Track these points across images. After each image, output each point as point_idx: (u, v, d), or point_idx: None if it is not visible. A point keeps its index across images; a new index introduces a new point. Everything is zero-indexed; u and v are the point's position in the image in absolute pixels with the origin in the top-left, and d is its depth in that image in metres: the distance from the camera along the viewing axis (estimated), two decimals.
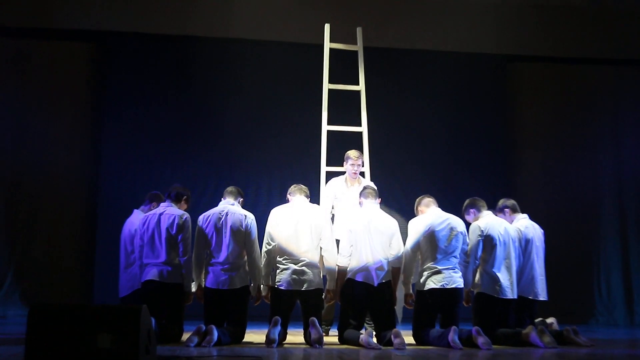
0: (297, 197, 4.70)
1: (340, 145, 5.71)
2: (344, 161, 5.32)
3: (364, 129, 5.83)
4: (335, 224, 5.12)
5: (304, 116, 6.93)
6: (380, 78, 7.06)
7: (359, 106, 5.87)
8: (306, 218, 4.56)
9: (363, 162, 5.37)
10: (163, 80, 7.14)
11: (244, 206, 4.76)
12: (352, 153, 5.26)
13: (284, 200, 4.86)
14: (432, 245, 4.56)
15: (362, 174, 5.44)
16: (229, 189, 4.76)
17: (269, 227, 4.60)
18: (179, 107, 7.11)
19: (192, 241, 4.56)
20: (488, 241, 4.68)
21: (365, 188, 4.86)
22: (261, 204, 6.44)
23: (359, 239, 4.54)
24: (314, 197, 5.15)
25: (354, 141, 5.87)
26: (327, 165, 5.64)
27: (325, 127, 5.72)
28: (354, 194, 5.11)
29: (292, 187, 4.80)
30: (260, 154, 7.09)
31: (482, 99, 7.58)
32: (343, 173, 5.43)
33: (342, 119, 5.88)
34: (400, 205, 6.02)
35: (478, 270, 4.74)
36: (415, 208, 4.90)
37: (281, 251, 4.53)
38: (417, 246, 4.61)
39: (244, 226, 4.52)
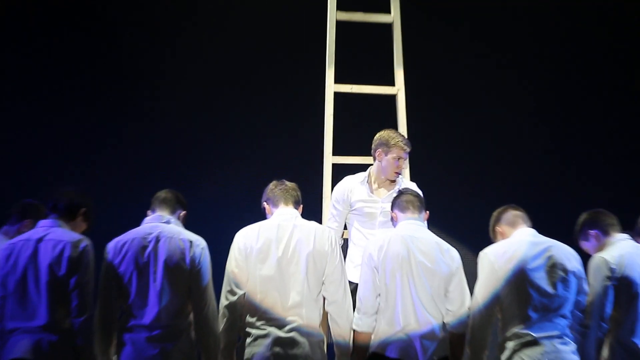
0: (281, 209, 4.50)
1: (357, 120, 5.85)
2: (374, 149, 5.17)
3: (399, 89, 5.59)
4: (350, 256, 5.09)
5: (295, 69, 6.74)
6: (427, 4, 6.87)
7: (391, 51, 5.63)
8: (298, 246, 4.37)
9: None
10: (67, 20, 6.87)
11: (188, 225, 4.51)
12: (394, 137, 5.10)
13: (258, 213, 4.64)
14: (521, 296, 4.31)
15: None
16: (162, 194, 4.50)
17: (233, 264, 4.37)
18: (85, 55, 6.83)
19: (96, 288, 4.33)
20: (624, 287, 4.47)
21: (401, 194, 4.64)
22: (223, 219, 6.11)
23: (392, 283, 4.33)
24: (313, 209, 5.11)
25: (381, 113, 5.76)
26: (335, 153, 5.52)
27: (331, 87, 5.54)
28: (383, 204, 5.04)
29: (270, 187, 4.61)
30: (221, 133, 6.83)
31: (606, 38, 7.27)
32: (363, 168, 5.29)
33: (361, 73, 5.81)
34: (461, 224, 6.02)
35: (607, 341, 4.51)
36: (490, 228, 4.67)
37: (253, 306, 4.31)
38: (494, 297, 4.35)
39: (188, 260, 4.28)
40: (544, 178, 7.02)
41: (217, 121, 6.83)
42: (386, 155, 5.06)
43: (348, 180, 5.20)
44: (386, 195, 5.01)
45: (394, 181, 5.12)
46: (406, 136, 5.33)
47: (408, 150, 5.10)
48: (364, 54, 6.09)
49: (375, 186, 5.13)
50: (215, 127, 6.80)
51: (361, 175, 5.17)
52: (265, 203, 4.55)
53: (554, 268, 4.32)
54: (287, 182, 4.58)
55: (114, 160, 6.67)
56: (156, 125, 6.78)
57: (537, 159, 7.12)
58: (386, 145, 5.06)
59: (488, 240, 4.60)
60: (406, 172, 5.44)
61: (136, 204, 4.78)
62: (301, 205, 4.54)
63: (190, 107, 6.84)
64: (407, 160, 5.32)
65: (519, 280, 4.28)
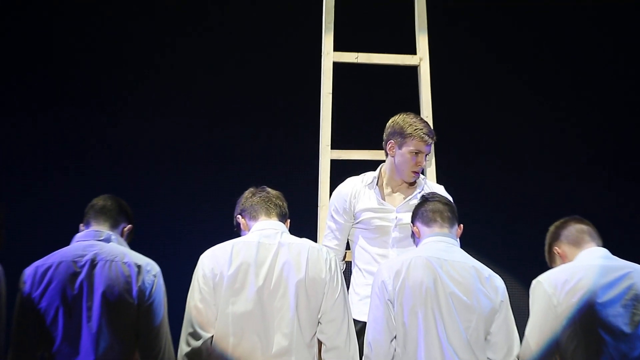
0: (261, 222, 4.21)
1: (364, 101, 5.93)
2: (386, 141, 4.87)
3: (421, 58, 5.37)
4: (355, 286, 4.85)
5: (281, 30, 6.69)
6: None
7: (411, 8, 5.45)
8: (285, 272, 4.09)
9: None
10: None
11: (135, 244, 4.26)
12: (412, 123, 4.76)
13: (229, 229, 4.35)
14: (589, 340, 4.00)
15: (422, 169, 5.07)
16: (99, 202, 4.24)
17: (197, 297, 4.07)
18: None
19: (8, 330, 4.02)
20: None
21: (425, 200, 4.32)
22: (184, 236, 6.20)
23: (412, 323, 4.03)
24: (305, 223, 4.93)
25: (397, 91, 5.65)
26: (335, 147, 5.32)
27: (329, 56, 5.31)
28: (399, 214, 4.77)
29: (246, 195, 4.36)
30: (176, 121, 6.62)
31: None
32: (372, 167, 5.03)
33: (370, 37, 5.85)
34: (504, 242, 6.04)
35: None
36: (546, 248, 4.37)
37: (224, 354, 4.02)
38: (553, 342, 4.06)
39: (135, 292, 3.99)
40: (619, 182, 6.84)
41: (172, 106, 6.67)
42: (400, 148, 4.70)
43: (351, 183, 4.87)
44: (403, 203, 4.66)
45: (413, 183, 4.77)
46: (430, 123, 4.97)
47: (431, 141, 4.71)
48: (374, 12, 6.03)
49: (388, 190, 4.79)
50: (169, 112, 6.64)
51: (369, 176, 4.83)
52: (239, 216, 4.22)
53: (635, 302, 3.96)
54: (270, 190, 4.29)
55: (38, 159, 6.50)
56: (103, 111, 6.59)
57: (611, 155, 6.92)
58: (400, 134, 4.69)
59: (543, 265, 4.31)
60: (431, 171, 5.13)
61: (68, 214, 4.52)
62: (288, 220, 4.24)
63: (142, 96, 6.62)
64: (432, 155, 5.03)
65: (587, 318, 3.95)
